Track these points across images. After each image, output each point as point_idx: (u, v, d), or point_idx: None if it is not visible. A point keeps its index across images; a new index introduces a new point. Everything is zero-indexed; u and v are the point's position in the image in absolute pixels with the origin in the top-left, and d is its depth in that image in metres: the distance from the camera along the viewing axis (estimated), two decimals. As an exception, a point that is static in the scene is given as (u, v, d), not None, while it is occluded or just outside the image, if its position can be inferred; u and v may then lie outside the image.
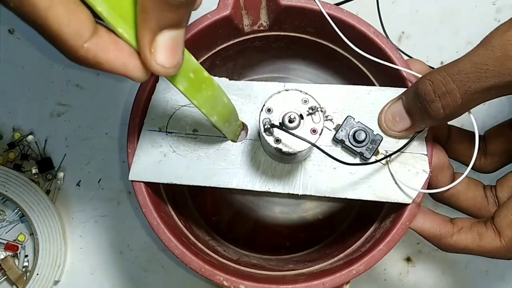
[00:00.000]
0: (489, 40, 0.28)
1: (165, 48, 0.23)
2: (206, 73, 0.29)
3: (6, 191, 0.49)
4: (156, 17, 0.22)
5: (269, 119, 0.31)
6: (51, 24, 0.21)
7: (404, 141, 0.35)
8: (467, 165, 0.35)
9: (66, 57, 0.22)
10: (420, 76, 0.32)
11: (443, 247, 0.35)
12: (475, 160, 0.37)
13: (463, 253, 0.35)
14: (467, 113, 0.31)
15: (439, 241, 0.35)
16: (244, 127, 0.37)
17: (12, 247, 0.50)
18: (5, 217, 0.50)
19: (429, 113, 0.31)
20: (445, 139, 0.38)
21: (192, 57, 0.27)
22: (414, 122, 0.33)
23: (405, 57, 0.38)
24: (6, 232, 0.51)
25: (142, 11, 0.22)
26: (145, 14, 0.22)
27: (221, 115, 0.32)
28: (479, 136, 0.37)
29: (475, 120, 0.32)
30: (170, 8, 0.22)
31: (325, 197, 0.35)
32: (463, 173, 0.33)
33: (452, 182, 0.35)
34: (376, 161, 0.34)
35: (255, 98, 0.37)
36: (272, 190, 0.36)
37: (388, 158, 0.35)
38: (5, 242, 0.50)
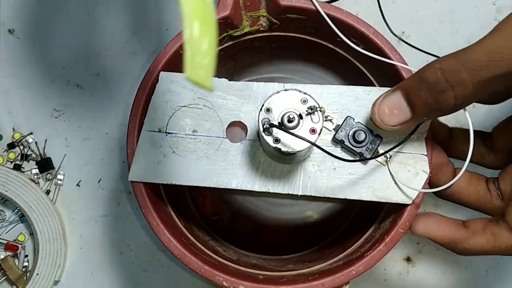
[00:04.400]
0: (503, 28, 0.28)
1: None
2: None
3: (6, 191, 0.49)
4: None
5: (268, 119, 0.31)
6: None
7: (403, 139, 0.34)
8: (474, 163, 0.34)
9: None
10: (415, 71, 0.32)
11: (460, 252, 0.35)
12: (484, 158, 0.37)
13: (480, 255, 0.34)
14: (461, 110, 0.31)
15: (455, 247, 0.35)
16: (243, 127, 0.37)
17: (12, 247, 0.50)
18: (5, 217, 0.50)
19: (440, 103, 0.29)
20: (445, 139, 0.38)
21: None
22: (416, 114, 0.31)
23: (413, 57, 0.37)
24: (6, 232, 0.51)
25: None
26: None
27: None
28: (485, 133, 0.37)
29: (469, 115, 0.32)
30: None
31: (324, 197, 0.35)
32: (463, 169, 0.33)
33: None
34: (376, 156, 0.34)
35: (254, 98, 0.37)
36: (271, 191, 0.36)
37: (388, 159, 0.35)
38: (5, 242, 0.50)
